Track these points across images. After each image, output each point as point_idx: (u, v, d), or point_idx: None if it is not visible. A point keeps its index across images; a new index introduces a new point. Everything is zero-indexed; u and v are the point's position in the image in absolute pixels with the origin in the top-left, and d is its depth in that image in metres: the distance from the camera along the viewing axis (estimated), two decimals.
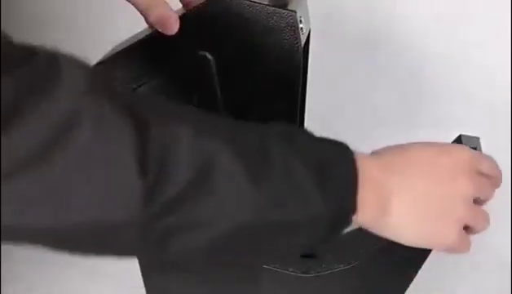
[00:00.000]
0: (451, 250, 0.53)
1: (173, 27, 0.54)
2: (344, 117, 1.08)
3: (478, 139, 0.60)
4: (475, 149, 0.57)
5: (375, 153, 0.50)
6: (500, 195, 1.05)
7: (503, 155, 1.06)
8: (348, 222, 0.45)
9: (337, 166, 0.44)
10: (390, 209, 0.47)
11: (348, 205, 0.44)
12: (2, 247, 0.65)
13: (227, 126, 0.43)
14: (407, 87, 1.05)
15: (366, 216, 0.46)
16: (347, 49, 1.04)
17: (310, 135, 0.46)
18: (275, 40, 0.55)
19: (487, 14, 1.00)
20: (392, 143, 0.50)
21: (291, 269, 0.55)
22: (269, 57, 0.56)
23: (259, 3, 0.54)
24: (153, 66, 0.58)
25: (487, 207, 1.03)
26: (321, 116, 1.02)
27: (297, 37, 0.55)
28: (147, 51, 0.58)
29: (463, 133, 0.59)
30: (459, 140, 0.58)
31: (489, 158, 0.55)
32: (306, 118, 0.64)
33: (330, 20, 0.99)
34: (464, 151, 0.52)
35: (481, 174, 0.53)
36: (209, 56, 0.56)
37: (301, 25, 0.55)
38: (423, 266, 0.62)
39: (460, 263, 0.95)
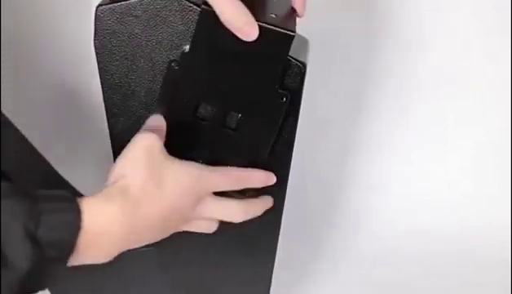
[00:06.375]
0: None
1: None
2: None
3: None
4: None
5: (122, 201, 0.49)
6: (500, 194, 1.05)
7: (503, 155, 1.06)
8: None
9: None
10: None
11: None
12: None
13: None
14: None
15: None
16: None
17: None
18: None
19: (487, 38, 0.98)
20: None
21: None
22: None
23: None
24: None
25: (488, 204, 1.03)
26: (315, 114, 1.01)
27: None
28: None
29: None
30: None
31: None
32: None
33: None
34: (184, 200, 0.52)
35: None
36: None
37: None
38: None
39: (460, 262, 0.95)
